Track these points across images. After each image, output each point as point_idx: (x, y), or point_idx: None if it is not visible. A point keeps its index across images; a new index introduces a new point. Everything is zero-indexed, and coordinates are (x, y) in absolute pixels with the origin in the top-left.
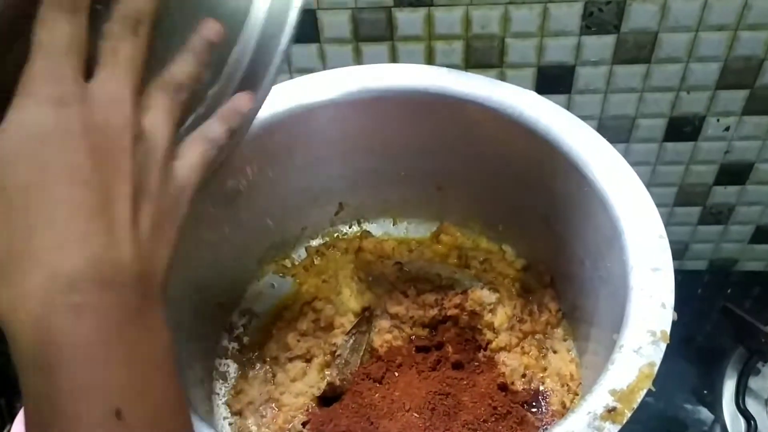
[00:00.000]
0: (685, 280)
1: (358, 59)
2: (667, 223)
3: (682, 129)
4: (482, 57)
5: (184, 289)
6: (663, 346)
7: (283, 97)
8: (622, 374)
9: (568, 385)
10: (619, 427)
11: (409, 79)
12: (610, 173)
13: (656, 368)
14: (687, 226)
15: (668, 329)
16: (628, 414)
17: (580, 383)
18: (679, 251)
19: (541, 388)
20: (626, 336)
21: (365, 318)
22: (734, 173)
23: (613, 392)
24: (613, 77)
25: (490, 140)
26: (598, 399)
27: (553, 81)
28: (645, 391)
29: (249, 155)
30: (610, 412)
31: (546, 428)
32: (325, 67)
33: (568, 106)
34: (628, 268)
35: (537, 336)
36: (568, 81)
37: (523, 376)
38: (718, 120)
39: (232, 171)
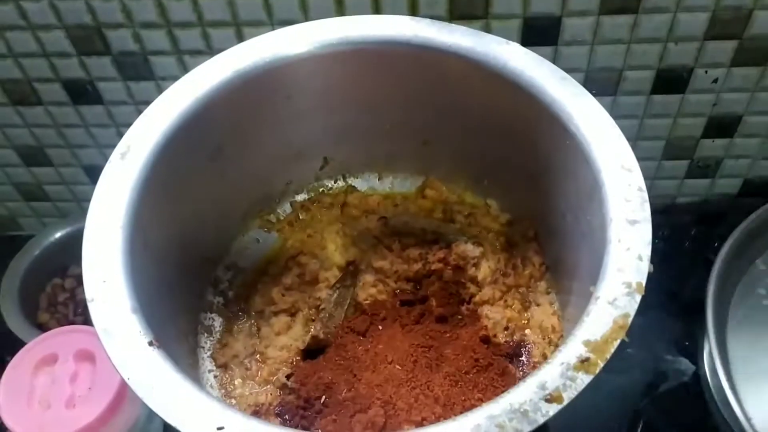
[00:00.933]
0: (672, 235)
1: (341, 10)
2: (654, 177)
3: (670, 81)
4: (466, 8)
5: (169, 244)
6: (638, 298)
7: (263, 49)
8: (597, 325)
9: (549, 337)
10: (591, 377)
11: (392, 30)
12: (592, 126)
13: (630, 319)
14: (674, 180)
15: (644, 281)
16: (601, 364)
17: (561, 335)
18: (666, 205)
19: (523, 340)
20: (602, 288)
21: (350, 272)
22: (722, 126)
23: (587, 343)
24: (599, 28)
25: (475, 93)
26: (572, 350)
27: (539, 32)
28: (618, 341)
29: (229, 109)
30: (584, 363)
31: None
32: (306, 19)
33: (555, 59)
34: (607, 220)
35: (520, 289)
36: (554, 32)
37: (506, 328)
38: (706, 72)
39: (211, 126)
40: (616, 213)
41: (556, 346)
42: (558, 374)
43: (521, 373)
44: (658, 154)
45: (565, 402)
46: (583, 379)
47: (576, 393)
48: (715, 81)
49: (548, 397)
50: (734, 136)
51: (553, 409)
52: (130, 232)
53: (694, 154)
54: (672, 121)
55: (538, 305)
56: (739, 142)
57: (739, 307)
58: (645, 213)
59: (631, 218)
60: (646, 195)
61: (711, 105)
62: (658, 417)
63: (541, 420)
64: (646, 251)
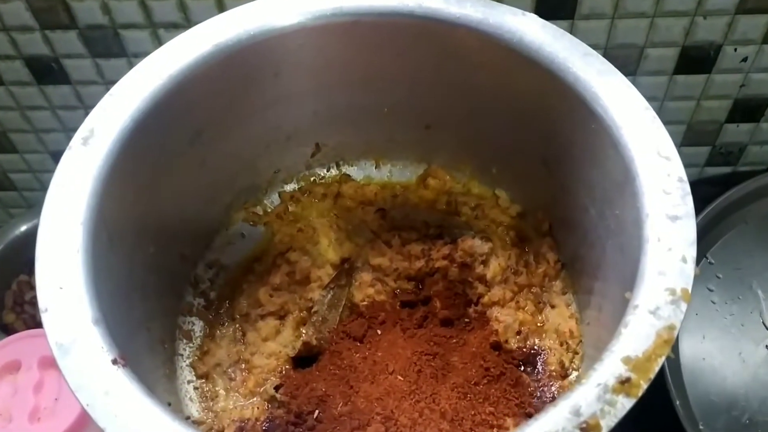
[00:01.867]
0: None
1: None
2: None
3: (696, 60)
4: None
5: (140, 241)
6: (684, 307)
7: (247, 21)
8: (637, 339)
9: (567, 343)
10: (633, 400)
11: (393, 0)
12: (622, 108)
13: (676, 332)
14: (694, 168)
15: (690, 287)
16: (644, 386)
17: (581, 341)
18: None
19: (538, 346)
20: (641, 295)
21: (344, 270)
22: (748, 109)
23: (626, 360)
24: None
25: (485, 70)
26: (610, 368)
27: (554, 4)
28: (663, 359)
29: (209, 88)
30: (623, 384)
31: (543, 390)
32: None
33: (571, 33)
34: (642, 216)
35: (533, 289)
36: (570, 4)
37: (518, 333)
38: (735, 49)
39: (189, 107)
40: (653, 208)
41: (576, 353)
42: (594, 397)
43: (536, 383)
44: (678, 140)
45: (604, 431)
46: (624, 404)
47: (616, 420)
48: (744, 60)
49: (584, 425)
50: (761, 120)
51: None
52: (93, 229)
53: (717, 140)
54: (695, 103)
55: (553, 307)
56: (765, 127)
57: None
58: (687, 207)
59: (672, 214)
60: (687, 187)
61: (738, 86)
62: None
63: None
64: (691, 252)
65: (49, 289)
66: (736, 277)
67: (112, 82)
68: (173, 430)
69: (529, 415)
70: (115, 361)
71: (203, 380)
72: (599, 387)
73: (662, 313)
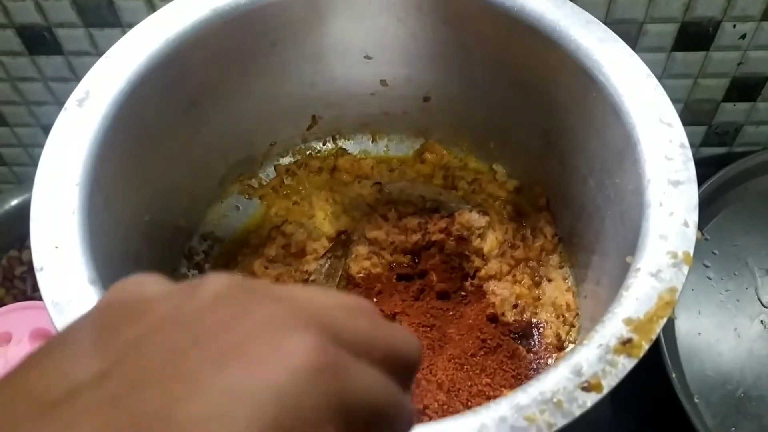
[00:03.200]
0: None
1: None
2: None
3: (694, 36)
4: None
5: (134, 209)
6: (686, 270)
7: None
8: (639, 301)
9: (564, 316)
10: (635, 361)
11: None
12: (624, 76)
13: (678, 294)
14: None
15: (691, 250)
16: (646, 346)
17: (577, 314)
18: None
19: (534, 319)
20: (643, 258)
21: (341, 242)
22: (745, 88)
23: (628, 321)
24: None
25: (485, 39)
26: (612, 329)
27: None
28: (665, 320)
29: (206, 54)
30: (625, 344)
31: (539, 362)
32: None
33: None
34: (644, 182)
35: (530, 263)
36: None
37: (515, 306)
38: (734, 26)
39: (185, 73)
40: (655, 173)
41: (572, 326)
42: (596, 358)
43: (533, 355)
44: None
45: (605, 391)
46: (625, 364)
47: (617, 380)
48: (743, 37)
49: (585, 384)
50: (757, 99)
51: (591, 399)
52: (89, 191)
53: (713, 119)
54: (693, 81)
55: (550, 281)
56: (762, 106)
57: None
58: (690, 173)
59: (674, 179)
60: (689, 152)
61: (736, 64)
62: None
63: (578, 412)
64: (693, 216)
65: (44, 249)
66: (732, 254)
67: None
68: None
69: None
70: None
71: None
72: (601, 348)
73: (664, 275)
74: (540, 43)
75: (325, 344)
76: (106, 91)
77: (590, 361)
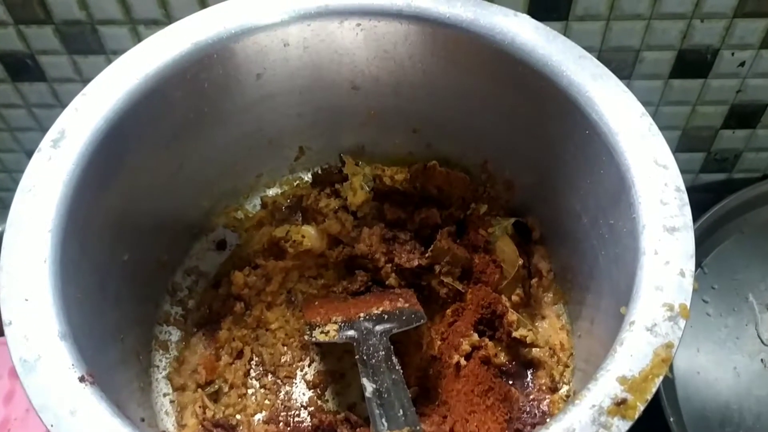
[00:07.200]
0: None
1: None
2: None
3: (692, 64)
4: None
5: (113, 248)
6: (682, 324)
7: (229, 18)
8: (633, 358)
9: (557, 355)
10: (630, 423)
11: None
12: (618, 114)
13: (674, 350)
14: (689, 174)
15: (688, 303)
16: (641, 407)
17: (572, 354)
18: None
19: (528, 359)
20: (637, 310)
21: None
22: (744, 115)
23: (622, 380)
24: (617, 1)
25: (475, 72)
26: (605, 388)
27: (547, 5)
28: (660, 379)
29: (188, 89)
30: (619, 405)
31: (533, 405)
32: None
33: (564, 35)
34: (639, 226)
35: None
36: (564, 5)
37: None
38: (732, 54)
39: (166, 108)
40: (650, 218)
41: (566, 366)
42: (589, 420)
43: (526, 398)
44: (672, 146)
45: None
46: (620, 426)
47: None
48: (742, 65)
49: None
50: (757, 126)
51: None
52: (62, 237)
53: (712, 146)
54: (691, 108)
55: (543, 318)
56: (761, 133)
57: None
58: (686, 219)
59: (670, 225)
60: (686, 197)
61: (735, 92)
62: None
63: None
64: (689, 266)
65: (13, 301)
66: (732, 288)
67: (90, 80)
68: None
69: (519, 431)
70: (82, 378)
71: (180, 392)
72: (594, 409)
73: (660, 330)
74: (532, 78)
75: None
76: (82, 130)
77: (583, 423)
